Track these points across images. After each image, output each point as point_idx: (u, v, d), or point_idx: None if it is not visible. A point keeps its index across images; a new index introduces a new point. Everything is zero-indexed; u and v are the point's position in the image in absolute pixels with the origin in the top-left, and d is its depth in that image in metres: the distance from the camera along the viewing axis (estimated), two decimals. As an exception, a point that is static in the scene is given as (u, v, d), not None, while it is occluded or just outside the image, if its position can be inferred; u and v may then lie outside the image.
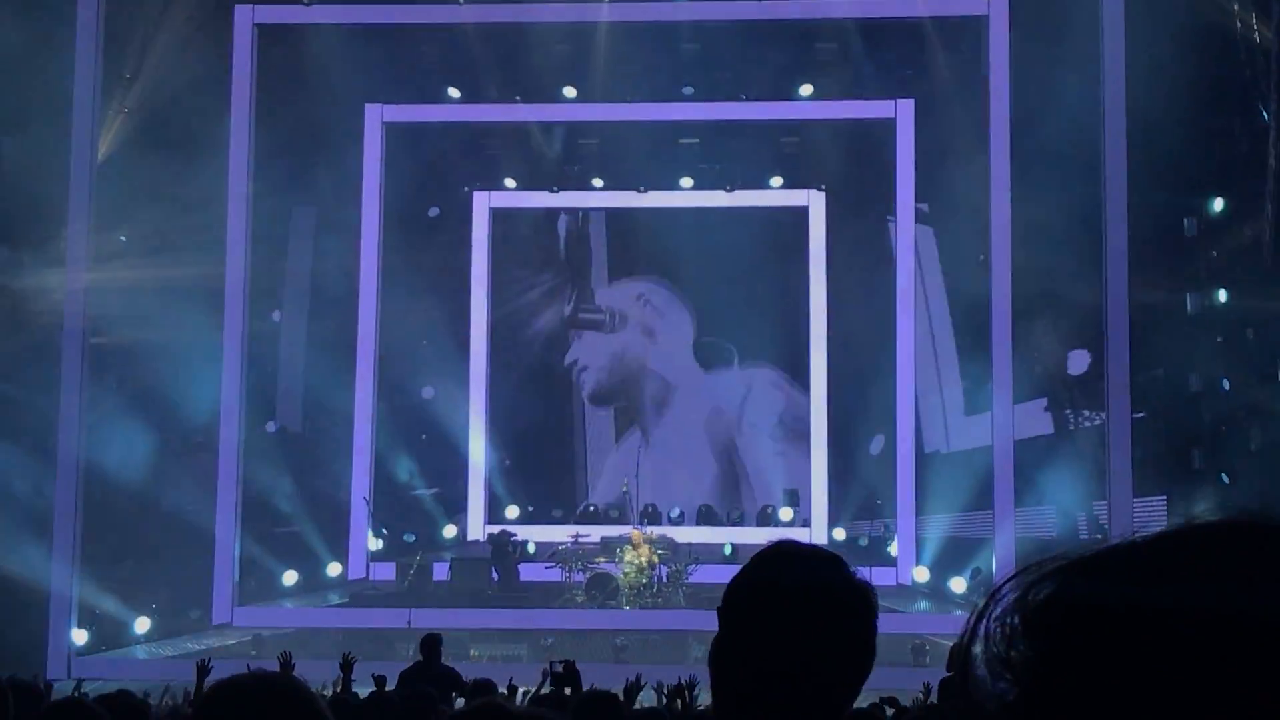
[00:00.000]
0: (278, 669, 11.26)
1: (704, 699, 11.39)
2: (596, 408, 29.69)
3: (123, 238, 24.51)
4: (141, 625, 23.03)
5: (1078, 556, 1.09)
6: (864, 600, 2.39)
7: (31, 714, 5.66)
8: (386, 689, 11.42)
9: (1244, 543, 1.06)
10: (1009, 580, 1.10)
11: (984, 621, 1.10)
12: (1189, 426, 24.14)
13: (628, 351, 29.73)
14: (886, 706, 11.01)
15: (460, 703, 11.16)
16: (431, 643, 12.88)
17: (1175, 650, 1.00)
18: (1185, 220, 24.10)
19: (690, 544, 25.19)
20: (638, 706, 10.56)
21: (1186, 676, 0.99)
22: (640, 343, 29.72)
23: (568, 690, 11.12)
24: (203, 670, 11.49)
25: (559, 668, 11.68)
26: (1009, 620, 1.08)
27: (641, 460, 28.47)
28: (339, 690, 11.48)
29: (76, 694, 10.77)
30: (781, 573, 2.41)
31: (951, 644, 12.35)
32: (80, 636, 22.10)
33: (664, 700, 11.25)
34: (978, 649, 1.09)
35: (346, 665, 11.61)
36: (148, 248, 23.95)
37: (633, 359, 29.68)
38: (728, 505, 28.10)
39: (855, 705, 2.51)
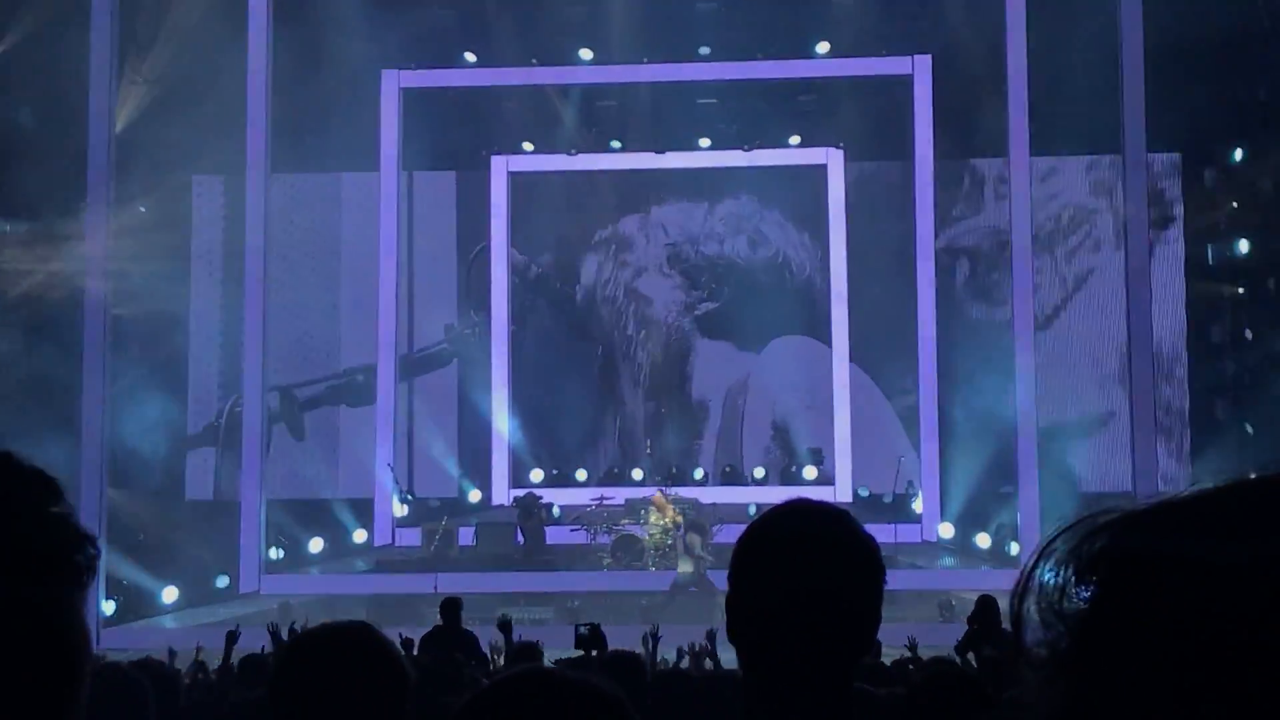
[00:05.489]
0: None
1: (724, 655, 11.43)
2: (617, 373, 29.62)
3: (142, 208, 24.55)
4: (169, 595, 23.10)
5: (1131, 509, 1.09)
6: (870, 554, 2.37)
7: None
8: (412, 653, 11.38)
9: None
10: (1061, 533, 1.10)
11: (1036, 573, 1.10)
12: (1212, 377, 24.14)
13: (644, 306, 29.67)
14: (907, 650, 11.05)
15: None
16: (452, 606, 12.84)
17: (1227, 602, 1.00)
18: (1205, 172, 24.07)
19: (715, 504, 25.21)
20: (660, 665, 10.58)
21: (1237, 628, 0.99)
22: (655, 289, 29.58)
23: (594, 652, 11.14)
24: (232, 639, 11.46)
25: (584, 630, 11.72)
26: (1062, 572, 1.08)
27: (665, 421, 28.47)
28: None
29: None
30: (787, 528, 2.38)
31: (976, 597, 12.33)
32: (107, 607, 22.16)
33: (684, 661, 11.25)
34: (1030, 601, 1.10)
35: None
36: (167, 217, 24.01)
37: (648, 313, 29.63)
38: (750, 465, 28.06)
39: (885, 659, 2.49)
